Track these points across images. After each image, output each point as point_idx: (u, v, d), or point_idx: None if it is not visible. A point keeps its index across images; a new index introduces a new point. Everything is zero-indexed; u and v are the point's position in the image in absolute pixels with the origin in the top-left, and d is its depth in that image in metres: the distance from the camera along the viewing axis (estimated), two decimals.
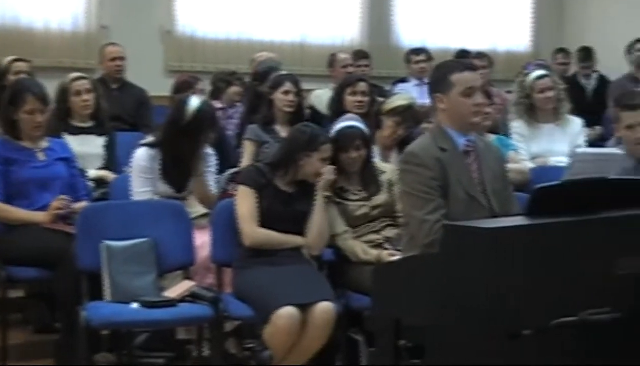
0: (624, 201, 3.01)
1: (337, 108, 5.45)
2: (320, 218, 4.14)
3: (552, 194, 2.91)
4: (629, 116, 4.29)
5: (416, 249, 3.33)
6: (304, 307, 3.84)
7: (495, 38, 9.68)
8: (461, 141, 3.50)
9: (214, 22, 8.41)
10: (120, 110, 6.43)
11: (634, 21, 9.03)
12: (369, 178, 4.39)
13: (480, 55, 7.55)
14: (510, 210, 3.47)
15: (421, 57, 7.88)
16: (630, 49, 7.99)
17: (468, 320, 2.65)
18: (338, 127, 4.44)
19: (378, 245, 4.25)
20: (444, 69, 3.55)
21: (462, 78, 3.45)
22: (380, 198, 4.34)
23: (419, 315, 2.89)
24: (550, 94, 5.47)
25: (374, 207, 4.32)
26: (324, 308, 3.85)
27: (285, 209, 4.16)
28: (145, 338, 4.50)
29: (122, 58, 6.94)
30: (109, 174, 5.21)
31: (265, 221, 4.12)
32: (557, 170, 4.74)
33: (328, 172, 4.18)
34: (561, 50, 8.78)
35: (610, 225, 2.88)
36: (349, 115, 4.74)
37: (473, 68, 3.57)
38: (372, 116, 5.13)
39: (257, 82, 6.10)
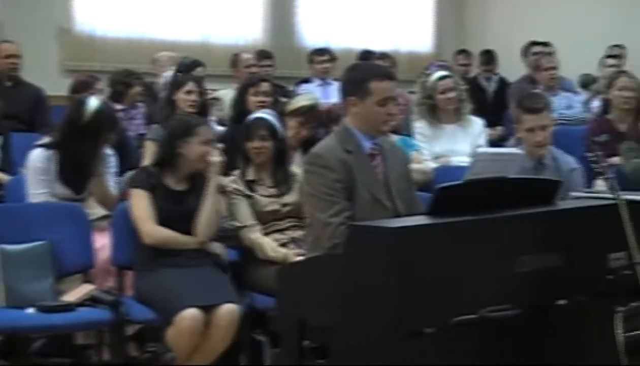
0: (524, 200, 3.07)
1: (240, 109, 5.41)
2: (209, 205, 4.10)
3: (454, 193, 2.95)
4: (530, 119, 4.38)
5: (320, 251, 3.31)
6: (208, 309, 3.78)
7: (398, 39, 9.77)
8: (367, 144, 3.50)
9: (114, 20, 8.23)
10: (15, 109, 6.24)
11: (530, 24, 9.27)
12: (281, 176, 4.39)
13: (384, 56, 7.60)
14: (415, 210, 3.48)
15: (325, 57, 7.89)
16: (525, 51, 8.20)
17: (371, 320, 2.66)
18: (248, 119, 4.50)
19: (283, 245, 4.24)
20: (362, 74, 3.49)
21: (381, 88, 3.42)
22: (291, 197, 4.34)
23: (323, 315, 2.89)
24: (452, 95, 5.53)
25: (285, 205, 4.32)
26: (228, 309, 3.81)
27: (178, 208, 4.11)
28: (42, 344, 4.38)
29: (17, 56, 6.75)
30: (3, 176, 5.05)
31: (160, 223, 4.06)
32: (459, 170, 4.79)
33: (216, 155, 4.15)
34: (462, 51, 8.93)
35: (510, 224, 2.93)
36: (265, 110, 4.76)
37: (391, 77, 3.53)
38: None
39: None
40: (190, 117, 4.32)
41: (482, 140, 5.62)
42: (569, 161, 4.50)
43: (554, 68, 7.12)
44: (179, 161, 4.15)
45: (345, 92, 3.51)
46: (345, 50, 8.93)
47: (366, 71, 3.53)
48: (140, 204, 4.07)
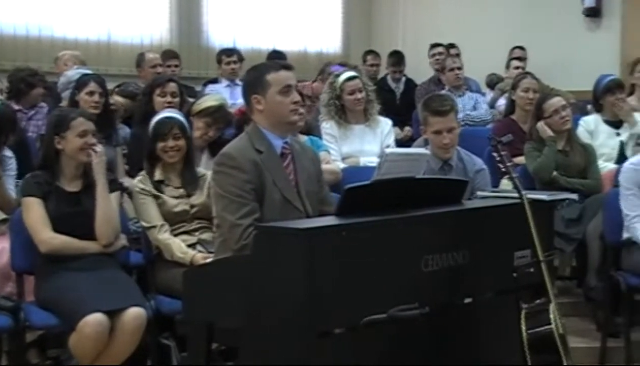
0: (431, 200, 3.09)
1: (146, 109, 5.32)
2: (103, 204, 4.01)
3: (362, 194, 2.95)
4: (437, 122, 4.43)
5: (229, 252, 3.27)
6: (113, 313, 3.70)
7: (306, 40, 9.79)
8: (278, 143, 3.47)
9: (12, 15, 7.94)
10: None
11: (437, 26, 9.42)
12: (189, 176, 4.34)
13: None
14: (327, 211, 3.48)
15: (233, 58, 7.83)
16: (432, 53, 8.32)
17: (280, 321, 2.64)
18: (155, 119, 4.41)
19: (191, 246, 4.19)
20: (259, 70, 3.50)
21: (278, 77, 3.42)
22: (200, 198, 4.29)
23: (231, 317, 2.86)
24: (360, 95, 5.54)
25: (193, 206, 4.27)
26: (134, 314, 3.73)
27: (73, 209, 4.01)
28: None
29: None
30: None
31: (56, 226, 3.95)
32: (367, 170, 4.80)
33: (100, 150, 4.07)
34: (371, 52, 9.00)
35: (418, 223, 2.95)
36: (171, 110, 4.69)
37: (288, 67, 3.54)
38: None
39: None
40: (62, 111, 4.19)
41: (390, 140, 5.66)
42: (476, 162, 4.57)
43: (459, 69, 7.23)
44: (61, 158, 4.05)
45: (248, 93, 3.51)
46: (253, 50, 8.91)
47: (262, 67, 3.55)
48: (33, 213, 3.95)
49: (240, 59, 7.85)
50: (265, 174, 3.36)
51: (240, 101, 6.76)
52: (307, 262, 2.57)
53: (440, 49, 8.28)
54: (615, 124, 5.85)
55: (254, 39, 9.30)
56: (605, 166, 5.54)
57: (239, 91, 7.36)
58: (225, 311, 2.90)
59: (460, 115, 6.12)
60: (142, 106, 5.50)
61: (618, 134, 5.80)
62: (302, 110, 5.02)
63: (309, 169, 3.56)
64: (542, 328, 3.08)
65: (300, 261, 2.58)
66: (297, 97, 3.46)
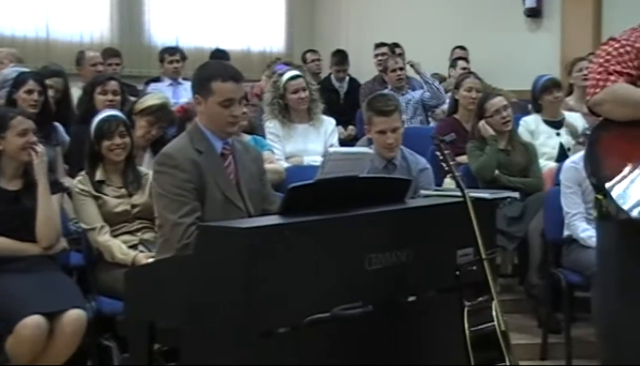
0: (375, 199, 3.09)
1: (87, 108, 5.24)
2: (44, 205, 3.95)
3: (305, 193, 2.95)
4: (381, 122, 4.44)
5: (170, 252, 3.24)
6: (52, 315, 3.64)
7: (250, 38, 9.75)
8: (218, 144, 3.45)
9: None
10: None
11: (381, 25, 9.45)
12: (131, 176, 4.28)
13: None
14: (270, 210, 3.47)
15: (175, 57, 7.75)
16: (375, 52, 8.35)
17: (222, 321, 2.61)
18: (98, 118, 4.34)
19: (133, 247, 4.14)
20: (207, 73, 3.45)
21: (223, 88, 3.37)
22: (141, 198, 4.24)
23: (173, 317, 2.83)
24: (303, 94, 5.54)
25: (134, 206, 4.21)
26: (74, 315, 3.69)
27: (13, 208, 3.95)
28: None
29: None
30: None
31: None
32: (311, 169, 4.80)
33: (41, 150, 4.00)
34: (313, 51, 9.00)
35: (361, 222, 2.95)
36: (108, 108, 4.63)
37: (237, 78, 3.46)
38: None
39: None
40: (1, 110, 4.10)
41: (334, 139, 5.66)
42: (420, 161, 4.59)
43: (401, 69, 7.25)
44: (1, 158, 3.98)
45: (193, 90, 3.49)
46: (196, 49, 8.84)
47: (212, 71, 3.48)
48: None
49: (183, 57, 7.78)
50: (206, 174, 3.34)
51: (183, 99, 6.72)
52: (249, 261, 2.55)
53: (384, 49, 8.31)
54: (555, 124, 5.93)
55: (197, 38, 9.22)
56: (546, 165, 5.62)
57: (181, 89, 7.34)
58: (167, 311, 2.87)
59: (404, 115, 6.16)
60: (82, 105, 5.42)
61: (558, 134, 5.88)
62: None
63: (250, 168, 3.54)
64: (484, 326, 3.10)
65: (242, 261, 2.56)
66: (238, 112, 3.42)
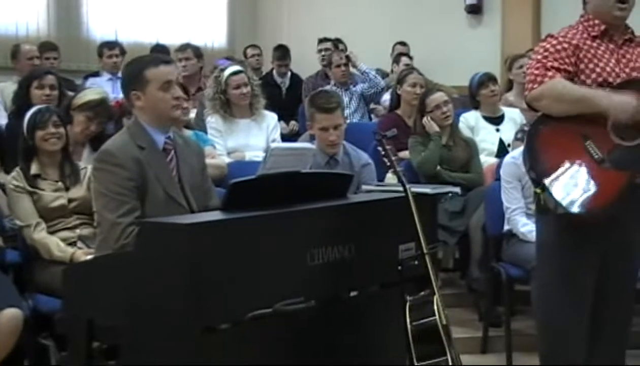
0: (317, 194, 3.09)
1: (23, 102, 5.16)
2: None
3: (247, 188, 2.93)
4: (323, 119, 4.43)
5: (109, 250, 3.19)
6: None
7: (191, 33, 9.65)
8: (160, 139, 3.40)
9: None
10: None
11: (323, 20, 9.46)
12: (68, 169, 4.22)
13: (184, 47, 7.35)
14: (210, 206, 3.45)
15: (115, 51, 7.64)
16: (319, 47, 8.35)
17: (164, 318, 2.59)
18: (31, 111, 4.27)
19: (72, 243, 4.09)
20: (137, 65, 3.42)
21: (158, 72, 3.34)
22: (79, 192, 4.17)
23: (113, 315, 2.79)
24: (245, 90, 5.51)
25: (71, 200, 4.15)
26: (10, 315, 3.61)
27: None
28: None
29: None
30: None
31: None
32: (253, 165, 4.78)
33: None
34: (254, 46, 8.96)
35: (303, 217, 2.94)
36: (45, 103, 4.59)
37: (167, 61, 3.47)
38: (61, 110, 4.88)
39: None
40: None
41: (276, 135, 5.64)
42: (362, 157, 4.60)
43: (345, 64, 7.26)
44: None
45: (127, 88, 3.44)
46: (136, 44, 8.73)
47: (140, 62, 3.46)
48: None
49: (123, 52, 7.67)
50: (148, 171, 3.29)
51: (122, 94, 6.62)
52: (191, 257, 2.53)
53: (327, 44, 8.32)
54: (495, 119, 6.00)
55: (137, 32, 9.11)
56: (486, 160, 5.68)
57: (120, 84, 7.23)
58: (106, 308, 2.83)
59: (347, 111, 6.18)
60: (18, 99, 5.32)
61: (498, 130, 5.95)
62: (186, 104, 5.00)
63: (192, 163, 3.50)
64: (426, 320, 3.11)
65: (184, 257, 2.53)
66: (178, 93, 3.39)
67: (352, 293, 3.12)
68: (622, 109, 3.07)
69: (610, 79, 3.17)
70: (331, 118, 4.45)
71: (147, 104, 3.36)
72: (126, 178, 3.24)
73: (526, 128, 5.37)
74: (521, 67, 6.30)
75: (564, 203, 3.05)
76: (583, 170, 3.09)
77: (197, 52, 7.20)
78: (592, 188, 3.07)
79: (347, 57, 7.15)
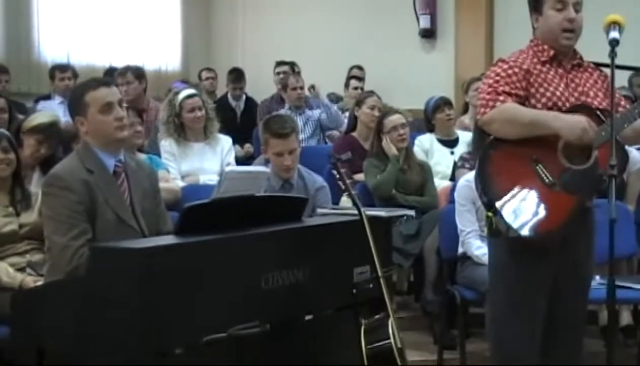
0: (272, 218, 3.08)
1: None
2: None
3: (201, 212, 2.92)
4: (278, 144, 4.42)
5: (59, 276, 3.14)
6: None
7: (144, 56, 9.60)
8: (110, 162, 3.37)
9: None
10: None
11: (278, 44, 9.49)
12: (19, 194, 4.14)
13: (124, 71, 7.24)
14: (163, 230, 3.42)
15: (67, 74, 7.58)
16: (274, 71, 8.37)
17: (116, 343, 2.56)
18: None
19: (21, 269, 4.00)
20: (79, 90, 3.43)
21: (97, 95, 3.33)
22: (30, 217, 4.10)
23: (64, 341, 2.76)
24: (199, 113, 5.49)
25: (23, 225, 4.07)
26: None
27: None
28: None
29: None
30: None
31: None
32: (207, 188, 4.76)
33: None
34: (208, 69, 8.95)
35: (257, 241, 2.93)
36: None
37: (106, 83, 3.46)
38: (12, 134, 4.82)
39: None
40: None
41: (231, 158, 5.63)
42: (316, 180, 4.60)
43: (301, 88, 7.29)
44: None
45: (72, 115, 3.44)
46: (88, 66, 8.66)
47: (80, 88, 3.48)
48: None
49: (75, 75, 7.61)
50: (97, 194, 3.26)
51: None
52: (144, 282, 2.51)
53: (285, 68, 8.33)
54: (450, 142, 6.05)
55: (89, 55, 9.04)
56: (441, 183, 5.71)
57: None
58: (57, 334, 2.80)
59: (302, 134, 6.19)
60: None
61: (452, 153, 6.00)
62: (140, 128, 4.96)
63: (144, 187, 3.48)
64: (381, 343, 3.11)
65: (136, 282, 2.51)
66: (121, 113, 3.37)
67: (307, 317, 3.11)
68: (571, 129, 3.11)
69: (560, 104, 3.21)
70: (286, 143, 4.45)
71: (90, 128, 3.35)
72: (75, 201, 3.20)
73: (466, 155, 5.46)
74: (477, 90, 6.33)
75: (515, 226, 3.08)
76: (533, 194, 3.12)
77: (138, 73, 6.98)
78: (543, 211, 3.10)
79: (313, 86, 7.19)
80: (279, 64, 8.43)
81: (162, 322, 2.54)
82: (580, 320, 3.41)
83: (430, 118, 6.12)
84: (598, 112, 3.19)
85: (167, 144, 5.48)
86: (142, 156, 4.94)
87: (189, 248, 2.68)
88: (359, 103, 6.24)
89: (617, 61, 3.05)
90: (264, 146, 4.57)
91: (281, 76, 8.16)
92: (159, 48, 9.84)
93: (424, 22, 9.14)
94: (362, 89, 7.69)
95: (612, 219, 2.78)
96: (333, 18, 9.59)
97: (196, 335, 2.62)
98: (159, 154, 5.45)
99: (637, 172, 5.34)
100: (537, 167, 3.15)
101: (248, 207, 3.07)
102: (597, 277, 3.78)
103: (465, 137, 6.08)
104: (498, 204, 3.11)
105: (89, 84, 3.43)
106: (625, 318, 4.95)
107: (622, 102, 3.35)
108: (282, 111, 6.84)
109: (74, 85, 7.36)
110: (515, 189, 3.13)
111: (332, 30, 9.56)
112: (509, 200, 3.11)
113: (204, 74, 8.81)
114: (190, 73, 9.59)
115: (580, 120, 3.12)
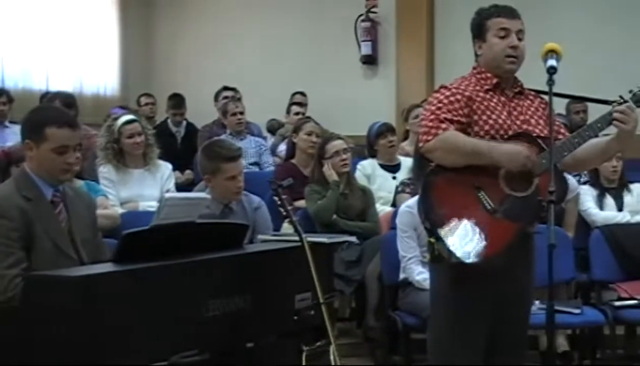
0: (212, 244, 3.05)
1: None
2: None
3: (140, 239, 2.88)
4: (231, 168, 4.36)
5: None
6: None
7: (81, 80, 9.45)
8: (48, 191, 3.31)
9: None
10: None
11: (219, 70, 9.45)
12: None
13: (55, 97, 7.03)
14: (101, 258, 3.35)
15: (1, 98, 7.43)
16: (217, 96, 8.33)
17: None
18: None
19: None
20: (42, 118, 3.33)
21: (57, 135, 3.25)
22: None
23: None
24: (139, 139, 5.43)
25: None
26: None
27: None
28: None
29: None
30: None
31: None
32: (147, 215, 4.70)
33: None
34: (147, 94, 8.87)
35: (197, 268, 2.90)
36: None
37: (73, 125, 3.35)
38: None
39: None
40: None
41: (171, 185, 5.57)
42: (253, 200, 4.56)
43: (241, 113, 7.27)
44: None
45: (23, 134, 3.35)
46: (24, 91, 8.49)
47: (46, 116, 3.37)
48: None
49: (10, 100, 7.47)
50: (34, 222, 3.18)
51: (9, 143, 6.42)
52: (81, 311, 2.47)
53: (230, 93, 8.29)
54: (391, 168, 6.08)
55: (25, 79, 8.84)
56: (383, 209, 5.73)
57: (8, 133, 7.02)
58: None
59: (244, 162, 6.14)
60: None
61: (394, 178, 6.02)
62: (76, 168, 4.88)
63: (83, 215, 3.42)
64: None
65: (74, 310, 2.47)
66: (71, 159, 3.30)
67: (249, 344, 3.08)
68: (511, 158, 3.14)
69: (502, 132, 3.23)
70: (238, 166, 4.40)
71: (37, 158, 3.29)
72: (11, 229, 3.13)
73: (407, 181, 5.49)
74: (417, 117, 6.39)
75: (457, 252, 3.09)
76: (475, 220, 3.14)
77: (67, 101, 6.59)
78: (484, 238, 3.12)
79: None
80: (224, 89, 8.40)
81: (100, 351, 2.49)
82: (521, 345, 3.43)
83: (372, 144, 6.14)
84: (539, 140, 3.23)
85: (105, 171, 5.40)
86: (80, 183, 4.85)
87: (127, 275, 2.64)
88: (296, 129, 6.26)
89: (556, 89, 3.09)
90: (209, 174, 4.47)
91: (222, 101, 8.13)
92: (97, 72, 9.67)
93: (366, 48, 9.19)
94: (304, 114, 7.70)
95: (551, 244, 2.81)
96: (275, 43, 9.60)
97: (136, 363, 2.57)
98: (96, 180, 5.37)
99: (574, 199, 5.43)
100: (479, 194, 3.17)
101: (188, 234, 3.04)
102: (537, 302, 3.82)
103: (407, 163, 6.10)
104: (440, 230, 3.11)
105: (56, 118, 3.33)
106: (562, 344, 4.99)
107: (562, 130, 3.40)
108: (222, 136, 6.80)
109: (9, 110, 7.24)
110: (458, 216, 3.14)
111: (274, 55, 9.56)
112: (451, 227, 3.12)
113: (143, 100, 8.73)
114: (129, 98, 9.48)
115: (520, 151, 3.15)
